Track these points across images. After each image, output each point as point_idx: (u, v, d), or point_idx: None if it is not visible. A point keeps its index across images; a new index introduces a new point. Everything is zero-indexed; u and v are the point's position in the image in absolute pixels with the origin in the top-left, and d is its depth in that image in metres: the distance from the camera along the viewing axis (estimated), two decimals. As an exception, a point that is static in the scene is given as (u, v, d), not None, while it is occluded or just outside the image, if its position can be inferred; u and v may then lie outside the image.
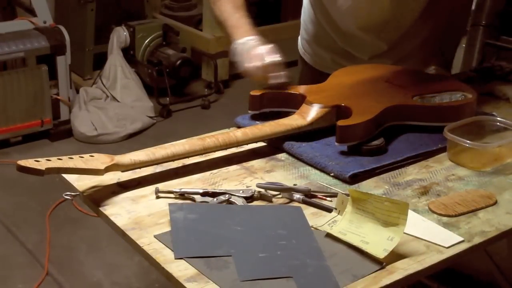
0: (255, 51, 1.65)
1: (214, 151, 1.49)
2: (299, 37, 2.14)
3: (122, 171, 1.39)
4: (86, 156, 1.33)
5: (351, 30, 1.90)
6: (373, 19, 1.87)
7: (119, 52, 3.93)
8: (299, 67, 2.16)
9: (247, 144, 1.53)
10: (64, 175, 1.39)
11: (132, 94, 3.85)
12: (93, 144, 3.59)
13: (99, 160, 1.33)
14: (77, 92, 3.76)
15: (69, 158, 1.31)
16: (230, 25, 1.73)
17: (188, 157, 1.45)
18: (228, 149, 1.52)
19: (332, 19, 1.91)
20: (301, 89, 1.69)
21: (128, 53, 4.01)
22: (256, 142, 1.55)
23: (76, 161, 1.31)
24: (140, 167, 1.40)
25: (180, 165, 1.47)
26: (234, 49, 1.69)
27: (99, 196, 1.36)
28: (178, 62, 3.91)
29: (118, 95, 3.81)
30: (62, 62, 3.53)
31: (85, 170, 1.31)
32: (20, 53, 3.41)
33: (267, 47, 1.67)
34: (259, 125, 1.56)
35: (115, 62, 3.88)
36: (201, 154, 1.47)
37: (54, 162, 1.28)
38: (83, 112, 3.66)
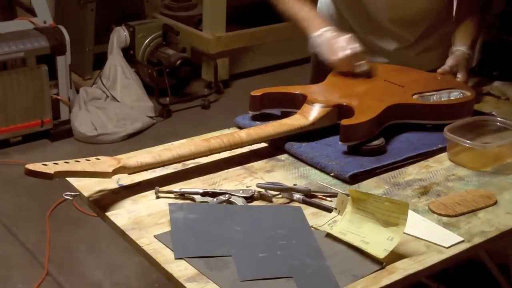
0: (335, 43, 1.73)
1: (219, 152, 1.48)
2: None
3: (129, 174, 1.39)
4: (93, 159, 1.33)
5: (382, 22, 1.92)
6: (406, 12, 1.89)
7: (119, 52, 3.93)
8: (313, 65, 2.16)
9: (251, 144, 1.53)
10: (64, 175, 1.38)
11: (132, 94, 3.85)
12: (93, 144, 3.59)
13: (106, 163, 1.33)
14: (77, 92, 3.76)
15: (75, 161, 1.30)
16: (301, 19, 1.81)
17: (193, 158, 1.45)
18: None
19: (360, 11, 1.93)
20: (302, 89, 1.69)
21: (128, 53, 4.01)
22: (259, 142, 1.55)
23: (83, 164, 1.30)
24: (146, 169, 1.40)
25: (180, 165, 1.47)
26: (313, 41, 1.78)
27: (99, 196, 1.36)
28: (178, 62, 3.91)
29: (118, 95, 3.81)
30: (62, 62, 3.53)
31: (92, 173, 1.31)
32: (20, 53, 3.41)
33: (346, 37, 1.73)
34: (262, 126, 1.56)
35: (115, 62, 3.88)
36: (206, 155, 1.47)
37: (62, 166, 1.28)
38: (83, 112, 3.66)
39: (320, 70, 2.05)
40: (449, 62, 1.82)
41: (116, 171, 1.34)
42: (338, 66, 1.75)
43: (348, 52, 1.72)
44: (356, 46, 1.73)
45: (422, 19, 1.94)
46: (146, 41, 4.01)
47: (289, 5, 1.84)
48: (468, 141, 1.52)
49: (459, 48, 1.84)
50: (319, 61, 2.10)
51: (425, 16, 1.93)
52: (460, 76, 1.79)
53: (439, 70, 1.80)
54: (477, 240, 1.27)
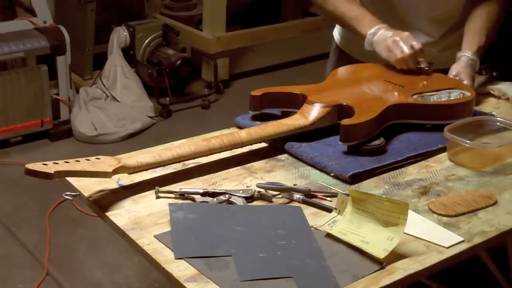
0: (395, 41, 1.74)
1: (219, 152, 1.48)
2: (337, 26, 2.12)
3: (129, 174, 1.39)
4: (93, 158, 1.33)
5: (411, 18, 1.93)
6: (440, 10, 1.91)
7: (119, 52, 3.93)
8: (332, 59, 2.15)
9: (251, 144, 1.53)
10: (64, 174, 1.38)
11: (132, 94, 3.85)
12: (93, 144, 3.59)
13: (106, 162, 1.33)
14: (77, 92, 3.76)
15: (76, 161, 1.30)
16: (351, 18, 1.82)
17: (193, 158, 1.45)
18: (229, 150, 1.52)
19: (387, 7, 1.93)
20: (302, 89, 1.69)
21: (128, 53, 4.01)
22: (260, 142, 1.55)
23: (83, 164, 1.30)
24: (146, 169, 1.40)
25: (180, 165, 1.47)
26: (369, 40, 1.78)
27: (99, 196, 1.36)
28: (178, 62, 3.91)
29: (118, 95, 3.81)
30: (62, 62, 3.53)
31: (93, 173, 1.31)
32: (20, 53, 3.41)
33: (405, 35, 1.74)
34: (262, 126, 1.56)
35: (115, 62, 3.88)
36: (206, 155, 1.47)
37: (62, 165, 1.28)
38: (83, 112, 3.66)
39: (342, 63, 2.02)
40: (454, 71, 1.81)
41: (116, 171, 1.34)
42: (401, 64, 1.76)
43: (411, 50, 1.73)
44: (416, 44, 1.74)
45: (451, 17, 1.95)
46: (146, 41, 4.01)
47: (335, 5, 1.84)
48: (468, 141, 1.52)
49: (464, 53, 1.83)
50: (341, 55, 2.09)
51: (454, 14, 1.94)
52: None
53: None
54: (477, 240, 1.27)
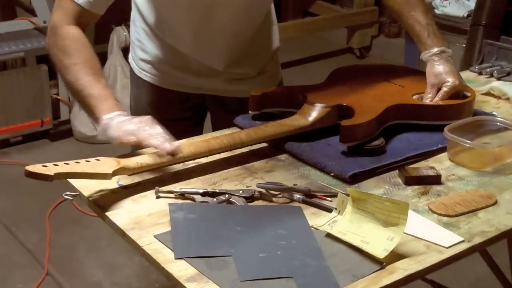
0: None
1: (219, 153, 1.48)
2: None
3: (129, 175, 1.39)
4: (93, 160, 1.33)
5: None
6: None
7: (119, 52, 3.93)
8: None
9: (251, 145, 1.53)
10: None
11: (132, 94, 3.85)
12: (93, 144, 3.59)
13: (106, 164, 1.33)
14: (77, 92, 3.76)
15: (75, 162, 1.30)
16: (91, 96, 1.55)
17: (193, 159, 1.45)
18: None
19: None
20: (302, 89, 1.69)
21: (128, 53, 4.00)
22: (259, 143, 1.55)
23: (84, 166, 1.30)
24: (146, 170, 1.40)
25: (181, 165, 1.47)
26: (104, 124, 1.50)
27: (99, 196, 1.36)
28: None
29: (118, 95, 3.80)
30: (62, 62, 3.53)
31: (93, 174, 1.30)
32: (20, 53, 3.41)
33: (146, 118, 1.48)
34: (262, 126, 1.56)
35: (115, 62, 3.88)
36: (206, 156, 1.47)
37: (62, 167, 1.27)
38: (83, 112, 3.65)
39: None
40: (432, 79, 1.70)
41: (116, 172, 1.34)
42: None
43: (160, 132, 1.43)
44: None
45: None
46: (146, 41, 4.00)
47: (77, 77, 1.61)
48: (468, 141, 1.52)
49: (429, 52, 1.72)
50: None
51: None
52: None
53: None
54: (477, 240, 1.27)
